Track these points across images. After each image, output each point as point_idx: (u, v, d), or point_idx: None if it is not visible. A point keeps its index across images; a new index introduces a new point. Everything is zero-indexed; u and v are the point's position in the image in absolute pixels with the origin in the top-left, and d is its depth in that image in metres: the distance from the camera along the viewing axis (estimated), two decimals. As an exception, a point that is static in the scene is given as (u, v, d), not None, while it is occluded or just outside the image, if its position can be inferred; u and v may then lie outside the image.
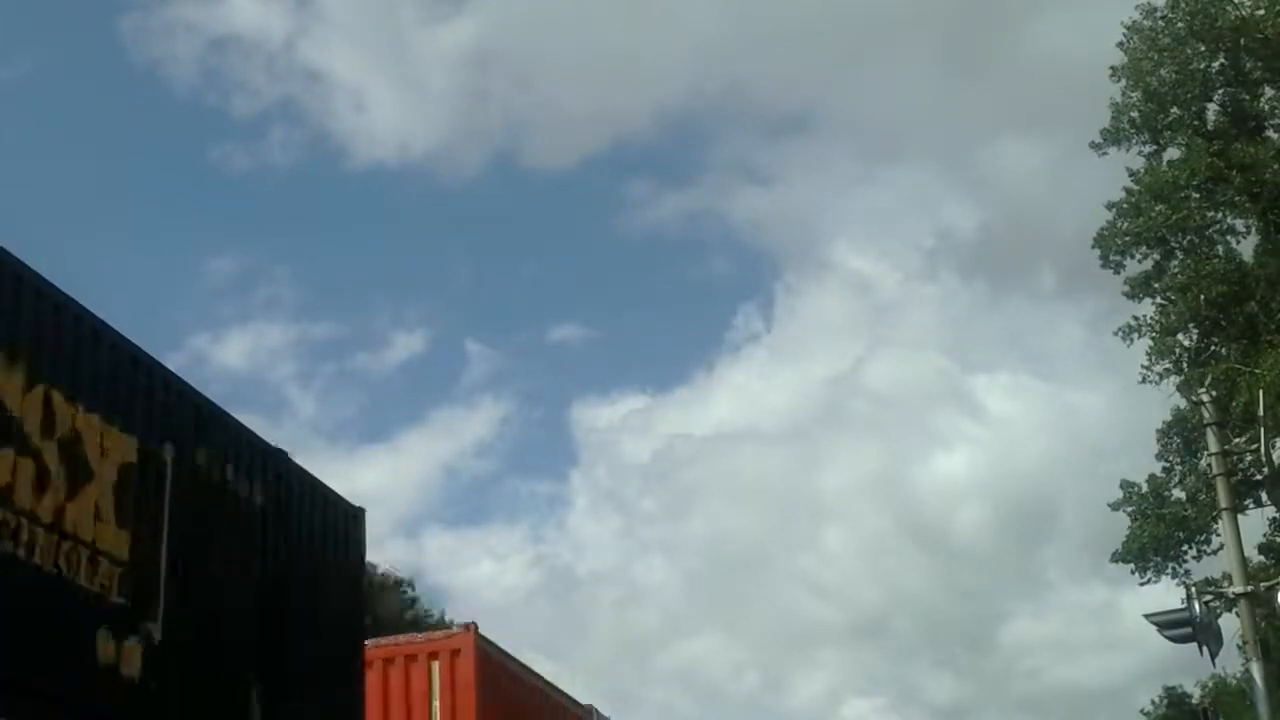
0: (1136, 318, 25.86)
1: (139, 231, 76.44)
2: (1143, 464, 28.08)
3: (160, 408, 10.75)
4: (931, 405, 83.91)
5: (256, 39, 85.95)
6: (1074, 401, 74.87)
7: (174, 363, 11.28)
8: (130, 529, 9.98)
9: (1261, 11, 24.60)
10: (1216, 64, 25.42)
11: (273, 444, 12.46)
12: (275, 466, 12.37)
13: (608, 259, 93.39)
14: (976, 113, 78.93)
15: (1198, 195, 25.19)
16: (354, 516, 13.91)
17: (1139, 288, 26.00)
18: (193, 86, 79.71)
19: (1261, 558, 26.43)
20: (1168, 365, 25.48)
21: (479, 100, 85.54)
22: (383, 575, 38.41)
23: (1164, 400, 25.93)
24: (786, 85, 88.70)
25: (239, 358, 78.85)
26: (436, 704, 16.18)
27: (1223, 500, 20.56)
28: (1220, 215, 25.78)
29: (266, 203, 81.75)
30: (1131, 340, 25.80)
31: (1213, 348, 25.33)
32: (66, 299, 9.82)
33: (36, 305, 9.50)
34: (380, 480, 74.62)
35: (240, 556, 11.53)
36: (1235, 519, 20.60)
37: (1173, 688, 45.35)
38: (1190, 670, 51.50)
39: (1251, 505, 24.73)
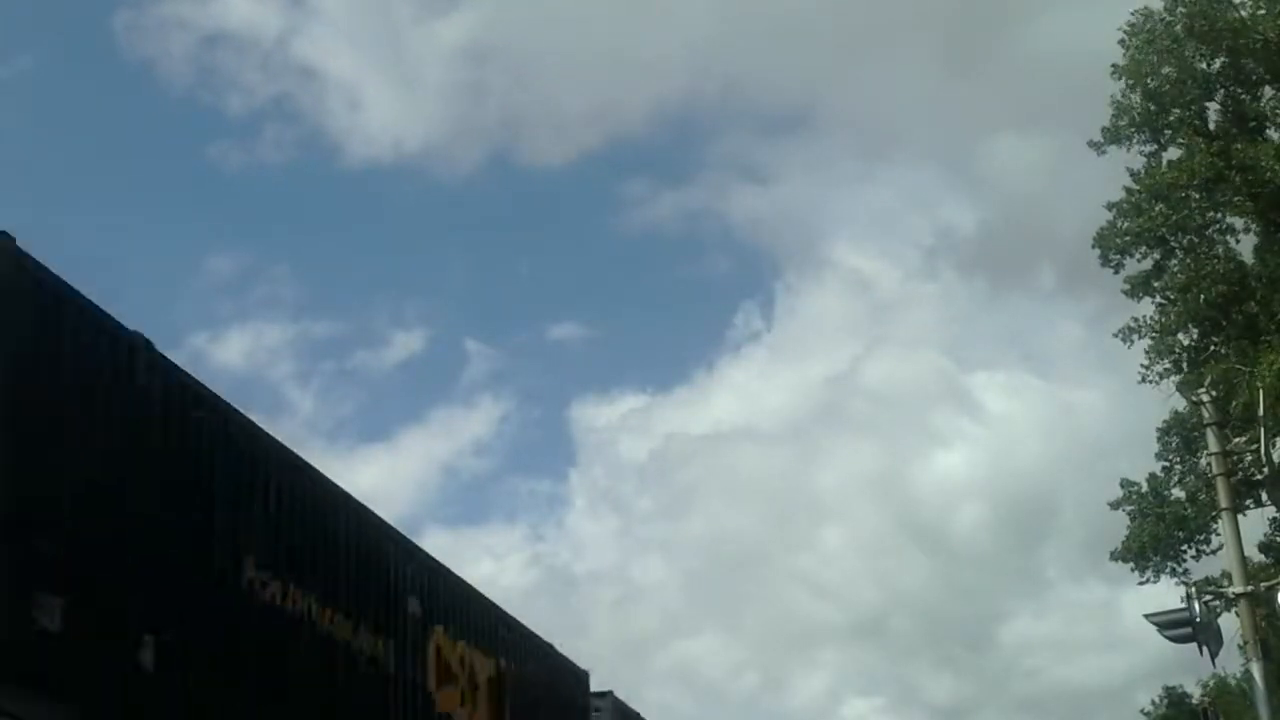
0: (1136, 318, 25.90)
1: (136, 230, 76.35)
2: (1142, 462, 28.15)
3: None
4: (931, 404, 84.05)
5: (250, 36, 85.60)
6: (1073, 400, 74.97)
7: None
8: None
9: (1262, 12, 24.59)
10: (1217, 64, 25.41)
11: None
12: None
13: (606, 258, 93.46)
14: (975, 111, 78.90)
15: (1198, 195, 25.18)
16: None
17: (1139, 287, 26.00)
18: (186, 84, 79.65)
19: (1261, 557, 26.45)
20: (1167, 365, 25.51)
21: (475, 97, 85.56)
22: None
23: (1163, 399, 25.99)
24: (785, 83, 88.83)
25: (238, 356, 78.81)
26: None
27: (1223, 500, 20.58)
28: (1220, 215, 25.78)
29: (263, 201, 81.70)
30: (1131, 341, 25.84)
31: (1212, 348, 25.34)
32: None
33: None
34: (380, 479, 74.73)
35: None
36: (1235, 519, 20.63)
37: (1173, 688, 45.40)
38: (1190, 670, 51.56)
39: (1251, 505, 24.75)
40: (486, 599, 17.24)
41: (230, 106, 79.42)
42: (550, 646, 19.30)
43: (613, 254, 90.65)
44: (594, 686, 21.92)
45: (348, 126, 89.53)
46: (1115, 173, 26.43)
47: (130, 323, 10.50)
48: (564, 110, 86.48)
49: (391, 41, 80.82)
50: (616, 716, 22.20)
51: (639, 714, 24.16)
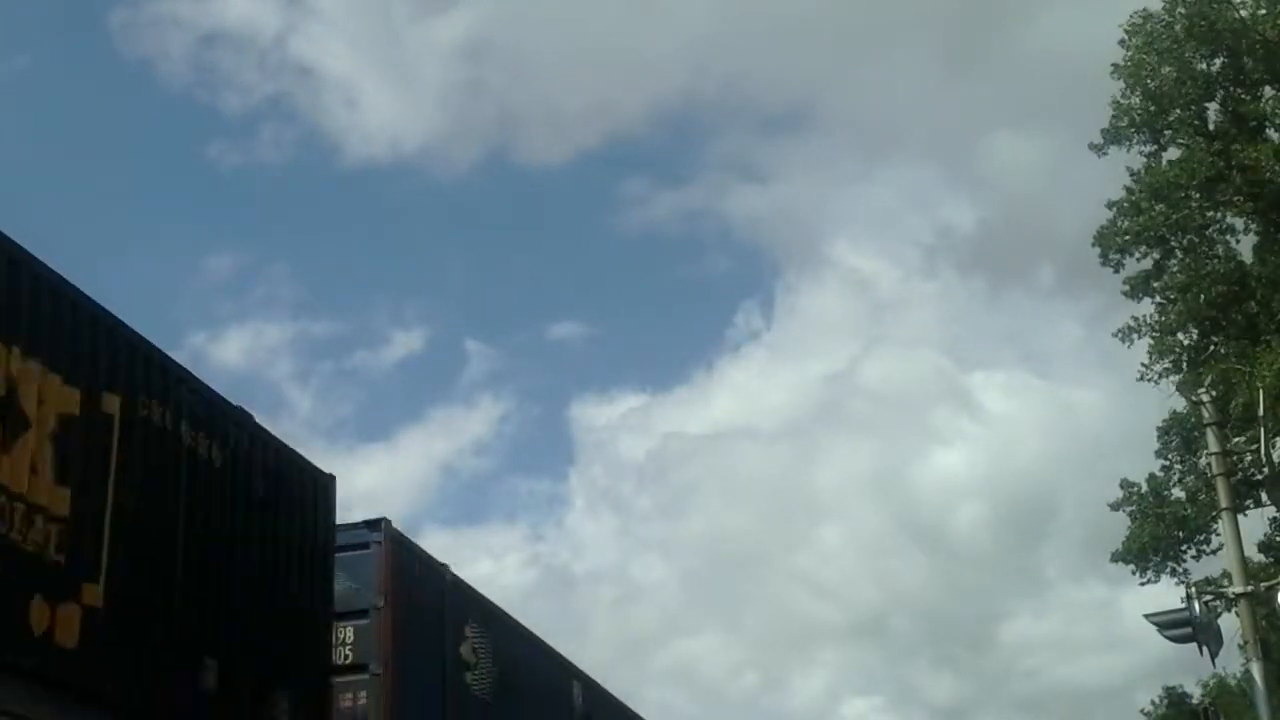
0: (1136, 318, 25.89)
1: (135, 229, 76.27)
2: (1142, 461, 28.14)
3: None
4: (930, 403, 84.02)
5: (247, 34, 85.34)
6: (1073, 398, 74.93)
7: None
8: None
9: (1262, 12, 24.57)
10: (1217, 65, 25.39)
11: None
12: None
13: (605, 257, 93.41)
14: (976, 109, 78.83)
15: (1198, 195, 25.16)
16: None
17: (1138, 287, 25.98)
18: (184, 83, 79.48)
19: (1261, 557, 26.44)
20: (1167, 365, 25.49)
21: (473, 95, 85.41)
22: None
23: (1163, 400, 25.98)
24: (784, 81, 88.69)
25: (237, 355, 78.76)
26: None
27: (1223, 500, 20.57)
28: (1220, 215, 25.76)
29: (261, 200, 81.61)
30: (1131, 341, 25.83)
31: (1212, 347, 25.32)
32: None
33: None
34: (379, 478, 74.68)
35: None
36: (1235, 519, 20.62)
37: (1172, 688, 45.36)
38: (1191, 670, 51.53)
39: (1251, 505, 24.75)
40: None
41: (228, 105, 79.45)
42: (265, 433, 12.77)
43: (612, 254, 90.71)
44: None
45: (346, 125, 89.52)
46: (1115, 171, 26.46)
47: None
48: (562, 109, 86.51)
49: (389, 40, 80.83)
50: (394, 555, 14.66)
51: (428, 554, 16.16)
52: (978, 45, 70.04)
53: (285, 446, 12.84)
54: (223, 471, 11.45)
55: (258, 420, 12.38)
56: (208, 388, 11.58)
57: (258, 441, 12.28)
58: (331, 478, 13.49)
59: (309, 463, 13.20)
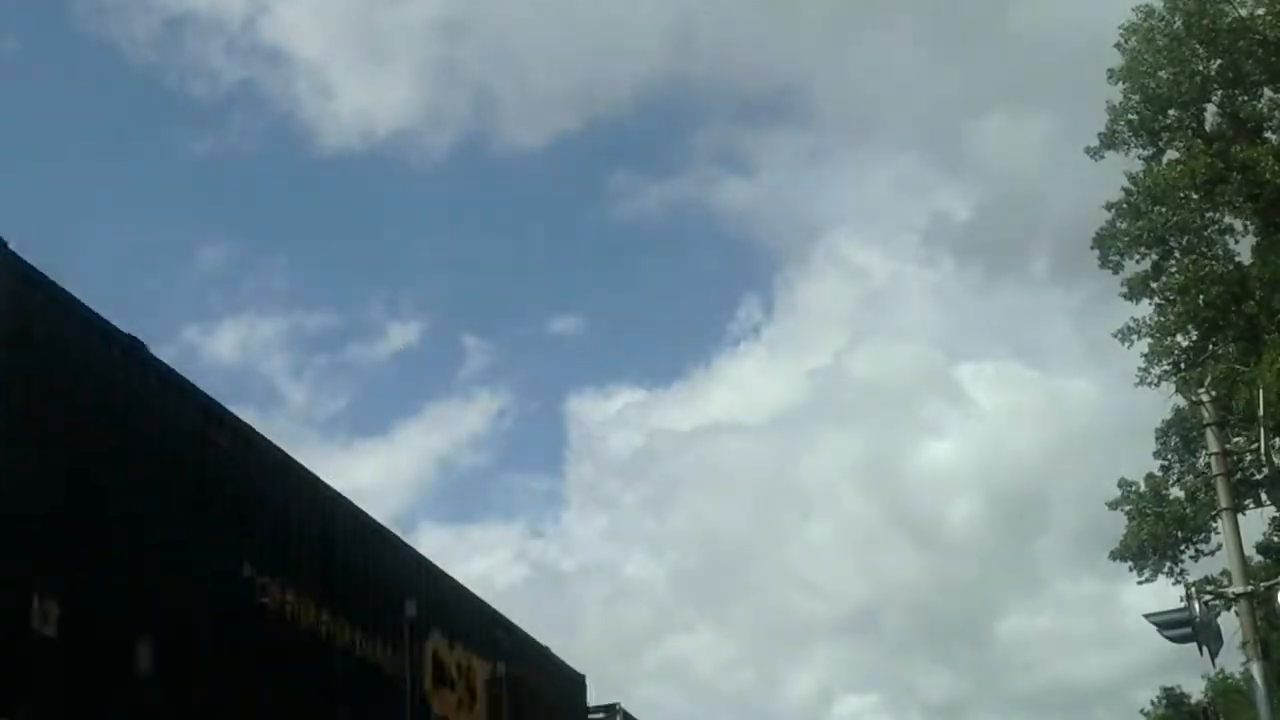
0: (1135, 319, 25.87)
1: (119, 219, 75.40)
2: (1142, 450, 28.02)
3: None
4: (926, 394, 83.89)
5: (215, 18, 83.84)
6: (1069, 389, 74.74)
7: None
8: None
9: (1261, 11, 24.56)
10: (1215, 66, 25.38)
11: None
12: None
13: (595, 250, 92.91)
14: (967, 91, 78.07)
15: (1197, 196, 25.14)
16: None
17: (1137, 288, 25.96)
18: (150, 66, 78.41)
19: (1261, 557, 26.42)
20: (1166, 367, 25.48)
21: (449, 77, 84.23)
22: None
23: (1163, 396, 25.93)
24: (772, 63, 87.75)
25: (229, 348, 78.44)
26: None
27: (1223, 500, 20.56)
28: (1219, 216, 25.75)
29: (242, 190, 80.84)
30: (1131, 342, 25.82)
31: (1211, 348, 25.30)
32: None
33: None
34: (378, 475, 74.63)
35: None
36: (1235, 519, 20.59)
37: (1171, 688, 45.47)
38: (1191, 667, 51.47)
39: (1251, 505, 24.74)
40: (482, 601, 17.18)
41: (196, 90, 78.25)
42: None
43: (602, 246, 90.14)
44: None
45: (319, 112, 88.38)
46: (1111, 156, 26.37)
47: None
48: (542, 92, 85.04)
49: (363, 21, 79.69)
50: None
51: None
52: (968, 25, 69.42)
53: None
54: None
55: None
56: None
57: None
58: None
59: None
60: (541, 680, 18.42)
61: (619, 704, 21.51)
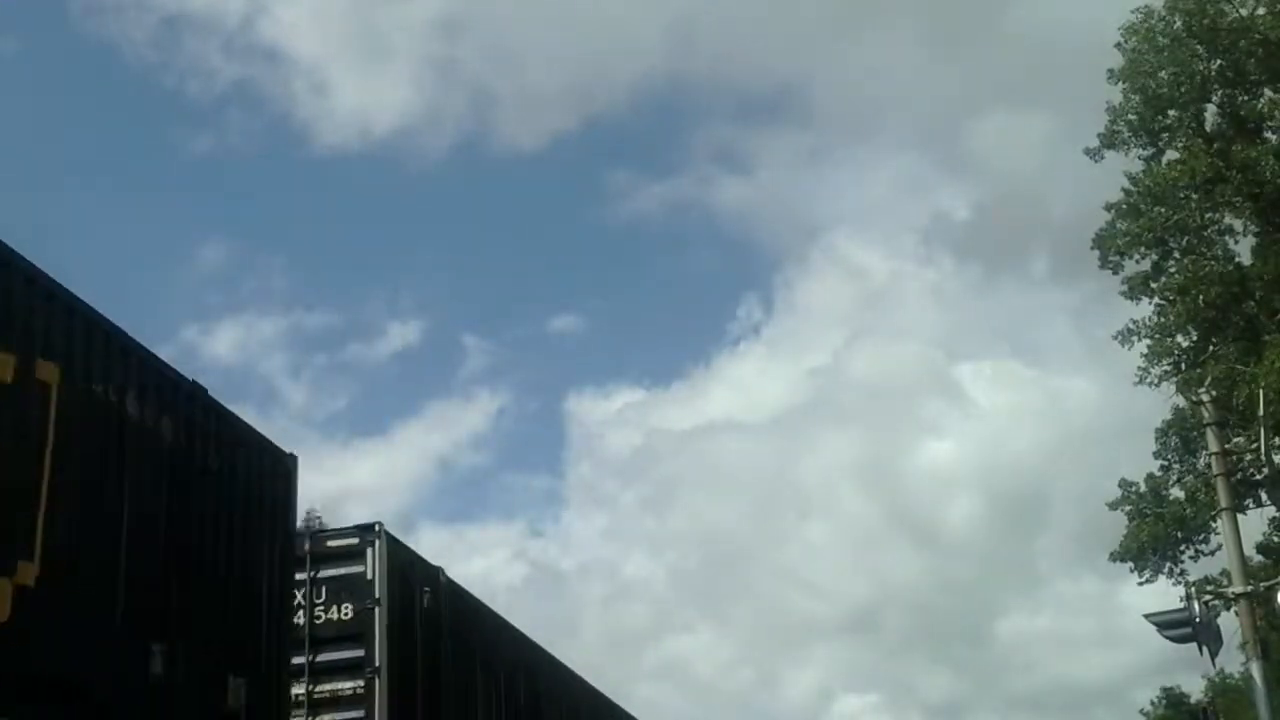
0: (1135, 320, 25.88)
1: (117, 219, 75.38)
2: (1141, 448, 28.04)
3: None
4: (926, 394, 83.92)
5: (213, 18, 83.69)
6: (1069, 389, 74.74)
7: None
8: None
9: (1262, 11, 24.56)
10: (1215, 66, 25.38)
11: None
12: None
13: (595, 249, 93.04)
14: (967, 89, 78.09)
15: (1197, 196, 25.15)
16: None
17: (1137, 288, 25.97)
18: (149, 66, 78.36)
19: (1260, 557, 26.42)
20: (1166, 367, 25.48)
21: (447, 77, 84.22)
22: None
23: (1163, 396, 25.95)
24: (771, 62, 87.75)
25: (228, 348, 78.41)
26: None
27: (1223, 500, 20.56)
28: (1219, 216, 25.75)
29: (241, 190, 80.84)
30: (1131, 344, 25.82)
31: (1212, 348, 25.31)
32: None
33: None
34: (378, 475, 74.51)
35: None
36: (1235, 519, 20.60)
37: (1171, 688, 45.49)
38: (1191, 667, 51.60)
39: (1251, 505, 24.75)
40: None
41: (194, 90, 78.18)
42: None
43: (601, 246, 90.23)
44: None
45: (317, 113, 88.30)
46: (1111, 154, 26.39)
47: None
48: (540, 91, 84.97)
49: (362, 21, 79.64)
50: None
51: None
52: (968, 25, 69.42)
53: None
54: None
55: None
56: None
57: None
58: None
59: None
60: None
61: (380, 523, 14.34)
